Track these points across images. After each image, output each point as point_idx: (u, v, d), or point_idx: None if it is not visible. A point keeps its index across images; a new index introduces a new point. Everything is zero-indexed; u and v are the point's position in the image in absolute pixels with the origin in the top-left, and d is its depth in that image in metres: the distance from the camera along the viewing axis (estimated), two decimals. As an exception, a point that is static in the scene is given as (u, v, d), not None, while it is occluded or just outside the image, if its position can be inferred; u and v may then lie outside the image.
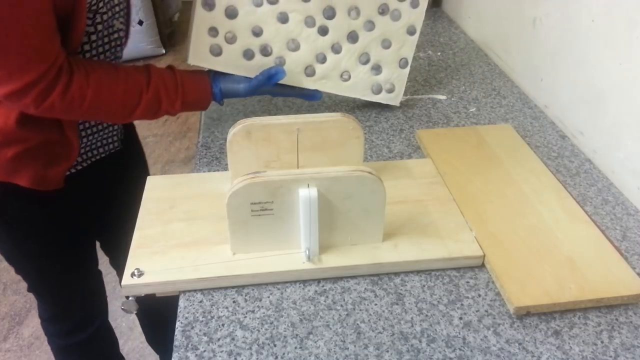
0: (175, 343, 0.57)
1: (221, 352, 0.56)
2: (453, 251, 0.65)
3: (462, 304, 0.62)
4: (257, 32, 0.82)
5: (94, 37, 0.74)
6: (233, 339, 0.58)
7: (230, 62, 0.82)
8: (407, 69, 0.92)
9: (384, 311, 0.61)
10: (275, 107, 0.99)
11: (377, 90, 0.93)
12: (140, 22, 2.84)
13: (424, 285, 0.64)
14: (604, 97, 0.84)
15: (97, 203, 0.96)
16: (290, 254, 0.65)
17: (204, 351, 0.56)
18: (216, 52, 0.82)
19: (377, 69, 0.90)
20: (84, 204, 0.92)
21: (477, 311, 0.61)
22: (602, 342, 0.58)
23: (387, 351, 0.56)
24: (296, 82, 0.86)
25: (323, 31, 0.84)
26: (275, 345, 0.57)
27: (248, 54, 0.82)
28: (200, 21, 0.80)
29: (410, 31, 0.88)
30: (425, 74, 1.12)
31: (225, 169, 0.82)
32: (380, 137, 0.91)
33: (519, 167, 0.80)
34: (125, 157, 0.95)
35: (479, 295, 0.63)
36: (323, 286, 0.64)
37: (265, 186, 0.59)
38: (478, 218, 0.70)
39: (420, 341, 0.57)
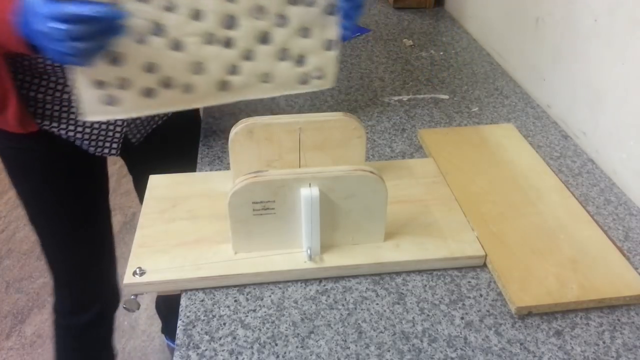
0: (177, 342, 0.57)
1: (222, 351, 0.56)
2: (455, 251, 0.65)
3: (463, 304, 0.62)
4: (151, 69, 0.70)
5: None
6: (234, 338, 0.58)
7: (130, 107, 0.71)
8: (336, 50, 0.77)
9: (385, 311, 0.61)
10: (277, 107, 0.99)
11: (305, 80, 0.79)
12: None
13: (425, 285, 0.64)
14: (606, 97, 0.84)
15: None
16: (291, 254, 0.65)
17: (206, 350, 0.56)
18: (111, 102, 0.71)
19: (300, 61, 0.77)
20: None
21: (478, 311, 0.61)
22: (604, 342, 0.58)
23: (389, 351, 0.56)
24: (211, 100, 0.75)
25: (227, 43, 0.72)
26: (276, 345, 0.57)
27: (149, 93, 0.70)
28: (82, 77, 0.68)
29: (329, 11, 0.74)
30: (427, 73, 1.12)
31: (227, 168, 0.82)
32: (382, 136, 0.91)
33: (521, 167, 0.80)
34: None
35: (481, 295, 0.63)
36: (324, 285, 0.64)
37: (266, 185, 0.60)
38: (480, 218, 0.70)
39: (421, 341, 0.57)
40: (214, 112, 0.97)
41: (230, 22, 0.71)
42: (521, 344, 0.57)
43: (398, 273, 0.65)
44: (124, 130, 0.86)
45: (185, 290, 0.63)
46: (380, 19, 1.40)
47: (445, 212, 0.71)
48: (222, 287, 0.63)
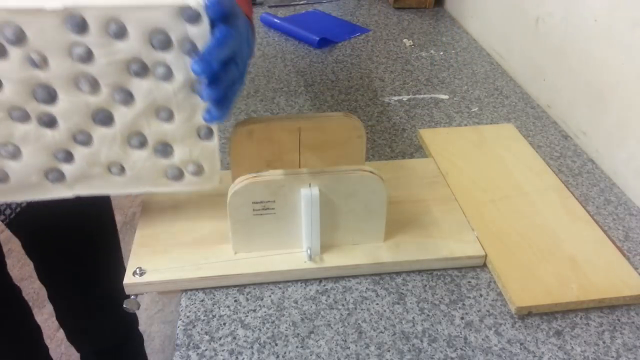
0: (177, 342, 0.57)
1: (222, 351, 0.56)
2: (455, 251, 0.65)
3: (463, 304, 0.62)
4: None
5: None
6: (234, 338, 0.58)
7: None
8: (215, 140, 0.60)
9: (385, 311, 0.61)
10: (277, 107, 0.99)
11: (176, 175, 0.63)
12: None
13: (425, 285, 0.64)
14: (606, 97, 0.84)
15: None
16: (291, 254, 0.65)
17: (206, 350, 0.56)
18: None
19: (163, 150, 0.60)
20: None
21: (478, 311, 0.61)
22: (604, 342, 0.58)
23: (389, 351, 0.56)
24: (40, 193, 0.61)
25: (47, 122, 0.56)
26: (276, 345, 0.57)
27: None
28: None
29: (197, 88, 0.56)
30: (427, 73, 1.12)
31: (227, 168, 0.82)
32: (382, 136, 0.91)
33: (521, 167, 0.80)
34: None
35: (481, 295, 0.63)
36: (324, 285, 0.64)
37: (266, 185, 0.60)
38: (480, 218, 0.70)
39: (421, 341, 0.57)
40: (214, 112, 0.97)
41: (44, 94, 0.54)
42: (521, 344, 0.57)
43: (398, 273, 0.65)
44: None
45: (185, 290, 0.63)
46: (380, 19, 1.40)
47: (445, 212, 0.71)
48: (222, 287, 0.63)
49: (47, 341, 1.51)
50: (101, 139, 0.58)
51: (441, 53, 1.21)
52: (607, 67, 0.83)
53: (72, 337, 1.14)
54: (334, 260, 0.64)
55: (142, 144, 0.59)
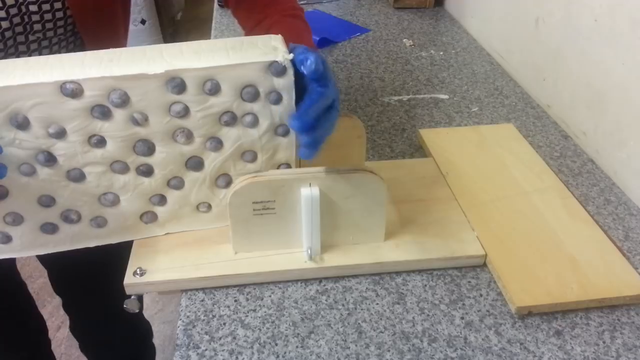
0: (177, 342, 0.57)
1: (222, 351, 0.56)
2: (455, 251, 0.65)
3: (463, 304, 0.62)
4: (47, 203, 0.59)
5: None
6: (234, 337, 0.58)
7: (28, 244, 0.62)
8: None
9: (385, 311, 0.61)
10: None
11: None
12: (143, 22, 2.85)
13: (425, 285, 0.64)
14: (606, 97, 0.84)
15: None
16: (291, 253, 0.65)
17: (206, 350, 0.56)
18: (2, 240, 0.61)
19: None
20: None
21: (478, 311, 0.61)
22: (604, 342, 0.58)
23: (389, 350, 0.56)
24: (134, 234, 0.65)
25: (145, 171, 0.60)
26: (276, 345, 0.57)
27: (48, 228, 0.61)
28: None
29: (281, 132, 0.60)
30: (427, 73, 1.12)
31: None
32: (382, 136, 0.91)
33: (521, 167, 0.80)
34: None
35: (481, 295, 0.63)
36: (324, 285, 0.64)
37: (267, 185, 0.60)
38: (480, 218, 0.70)
39: (421, 341, 0.57)
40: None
41: (143, 148, 0.58)
42: (521, 344, 0.57)
43: (398, 273, 0.65)
44: None
45: (185, 290, 0.63)
46: (380, 19, 1.40)
47: (445, 212, 0.71)
48: (222, 287, 0.63)
49: (47, 341, 1.51)
50: (192, 183, 0.63)
51: (441, 53, 1.21)
52: (607, 67, 0.83)
53: (85, 348, 1.15)
54: (334, 260, 0.64)
55: (228, 183, 0.64)
